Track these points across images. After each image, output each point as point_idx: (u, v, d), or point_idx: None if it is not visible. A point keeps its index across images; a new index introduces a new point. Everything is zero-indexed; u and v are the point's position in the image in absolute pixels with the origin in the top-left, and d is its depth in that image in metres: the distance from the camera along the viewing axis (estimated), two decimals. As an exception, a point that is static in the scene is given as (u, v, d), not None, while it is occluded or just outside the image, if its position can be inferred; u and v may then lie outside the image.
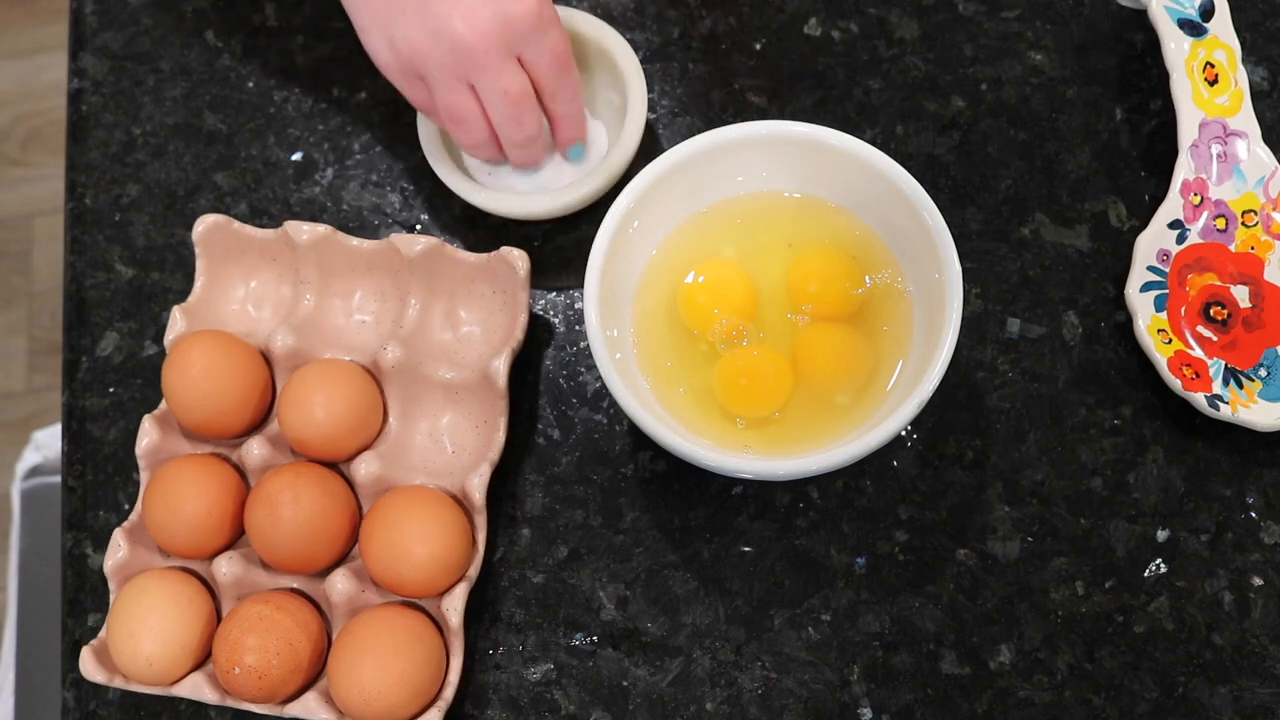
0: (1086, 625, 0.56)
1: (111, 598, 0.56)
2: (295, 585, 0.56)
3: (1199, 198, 0.60)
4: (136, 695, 0.57)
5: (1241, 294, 0.59)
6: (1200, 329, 0.59)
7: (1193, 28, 0.61)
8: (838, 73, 0.65)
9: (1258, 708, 0.54)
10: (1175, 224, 0.60)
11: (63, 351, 0.63)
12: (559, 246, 0.63)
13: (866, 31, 0.66)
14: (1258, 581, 0.56)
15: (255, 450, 0.57)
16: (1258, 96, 0.63)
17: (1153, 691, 0.55)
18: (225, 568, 0.55)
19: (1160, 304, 0.59)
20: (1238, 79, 0.60)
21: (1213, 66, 0.60)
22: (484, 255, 0.59)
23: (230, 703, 0.54)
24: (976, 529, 0.57)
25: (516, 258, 0.58)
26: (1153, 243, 0.59)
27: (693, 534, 0.58)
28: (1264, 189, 0.60)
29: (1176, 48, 0.60)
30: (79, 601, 0.59)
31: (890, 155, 0.54)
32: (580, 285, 0.54)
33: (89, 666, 0.54)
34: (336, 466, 0.58)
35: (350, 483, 0.57)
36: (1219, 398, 0.57)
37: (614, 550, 0.58)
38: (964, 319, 0.52)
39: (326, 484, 0.55)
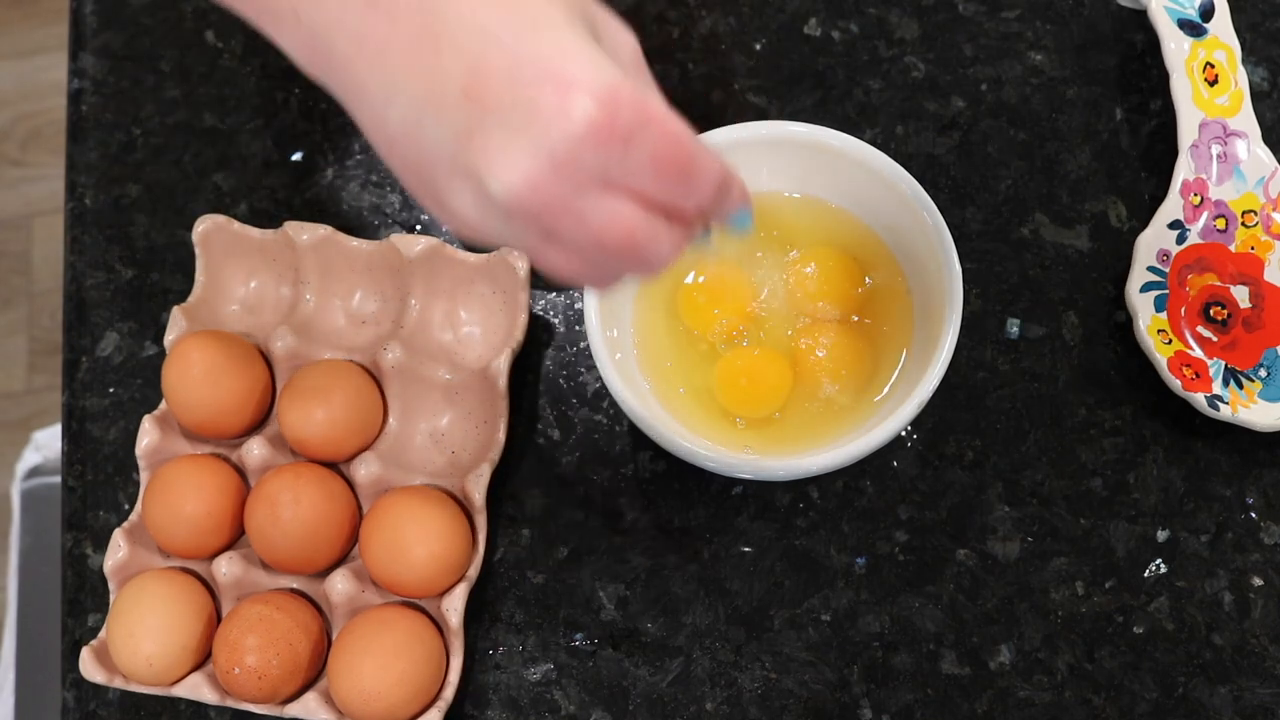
0: (1086, 625, 0.56)
1: (111, 598, 0.56)
2: (295, 585, 0.56)
3: (1199, 198, 0.60)
4: (136, 695, 0.57)
5: (1241, 294, 0.59)
6: (1200, 329, 0.59)
7: (1193, 28, 0.61)
8: (838, 73, 0.65)
9: (1258, 708, 0.54)
10: (1175, 224, 0.60)
11: (63, 351, 0.63)
12: (559, 246, 0.63)
13: (866, 31, 0.66)
14: (1258, 581, 0.56)
15: (255, 450, 0.57)
16: (1258, 97, 0.63)
17: (1153, 691, 0.55)
18: (225, 568, 0.55)
19: (1160, 304, 0.59)
20: (1238, 79, 0.60)
21: (1213, 67, 0.60)
22: (484, 255, 0.59)
23: (230, 703, 0.54)
24: (976, 529, 0.57)
25: (516, 258, 0.58)
26: (1153, 243, 0.59)
27: (693, 534, 0.58)
28: (1264, 189, 0.60)
29: (1176, 48, 0.60)
30: (79, 601, 0.59)
31: (890, 155, 0.54)
32: (580, 285, 0.54)
33: (89, 667, 0.54)
34: (336, 466, 0.57)
35: (350, 483, 0.57)
36: (1219, 398, 0.57)
37: (614, 550, 0.58)
38: (964, 319, 0.52)
39: (326, 484, 0.55)
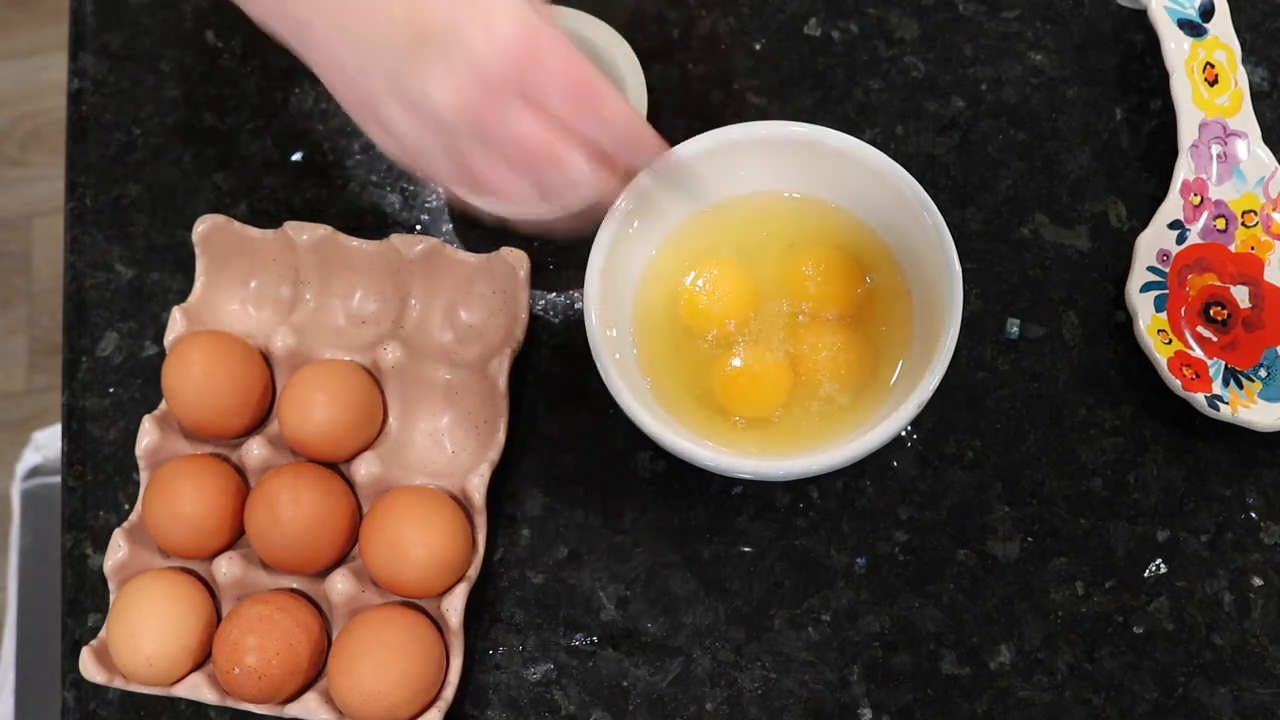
0: (1086, 625, 0.56)
1: (111, 598, 0.56)
2: (295, 585, 0.56)
3: (1199, 198, 0.60)
4: (136, 695, 0.57)
5: (1241, 294, 0.59)
6: (1200, 329, 0.59)
7: (1193, 28, 0.61)
8: (838, 73, 0.65)
9: (1258, 708, 0.54)
10: (1175, 224, 0.60)
11: (63, 351, 0.63)
12: (559, 246, 0.63)
13: (866, 32, 0.66)
14: (1258, 581, 0.56)
15: (255, 450, 0.57)
16: (1258, 97, 0.63)
17: (1153, 691, 0.55)
18: (225, 568, 0.55)
19: (1160, 304, 0.59)
20: (1238, 79, 0.60)
21: (1213, 67, 0.60)
22: (484, 255, 0.59)
23: (230, 703, 0.54)
24: (976, 529, 0.57)
25: (516, 258, 0.58)
26: (1153, 243, 0.59)
27: (693, 534, 0.58)
28: (1264, 189, 0.60)
29: (1176, 48, 0.60)
30: (79, 601, 0.59)
31: (890, 155, 0.54)
32: (580, 285, 0.54)
33: (89, 667, 0.54)
34: (336, 466, 0.58)
35: (350, 483, 0.57)
36: (1219, 398, 0.57)
37: (614, 550, 0.58)
38: (964, 319, 0.52)
39: (326, 484, 0.55)
